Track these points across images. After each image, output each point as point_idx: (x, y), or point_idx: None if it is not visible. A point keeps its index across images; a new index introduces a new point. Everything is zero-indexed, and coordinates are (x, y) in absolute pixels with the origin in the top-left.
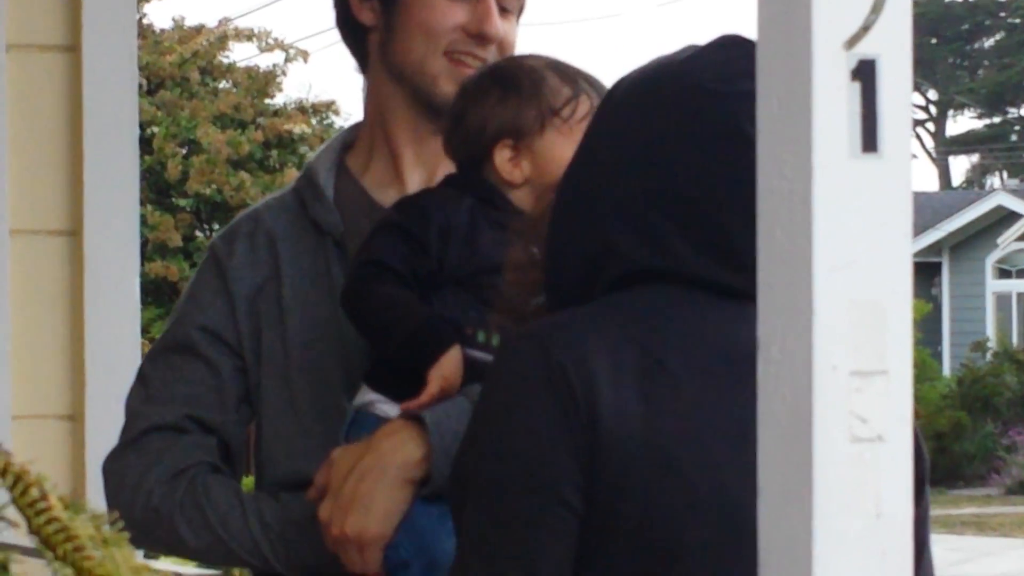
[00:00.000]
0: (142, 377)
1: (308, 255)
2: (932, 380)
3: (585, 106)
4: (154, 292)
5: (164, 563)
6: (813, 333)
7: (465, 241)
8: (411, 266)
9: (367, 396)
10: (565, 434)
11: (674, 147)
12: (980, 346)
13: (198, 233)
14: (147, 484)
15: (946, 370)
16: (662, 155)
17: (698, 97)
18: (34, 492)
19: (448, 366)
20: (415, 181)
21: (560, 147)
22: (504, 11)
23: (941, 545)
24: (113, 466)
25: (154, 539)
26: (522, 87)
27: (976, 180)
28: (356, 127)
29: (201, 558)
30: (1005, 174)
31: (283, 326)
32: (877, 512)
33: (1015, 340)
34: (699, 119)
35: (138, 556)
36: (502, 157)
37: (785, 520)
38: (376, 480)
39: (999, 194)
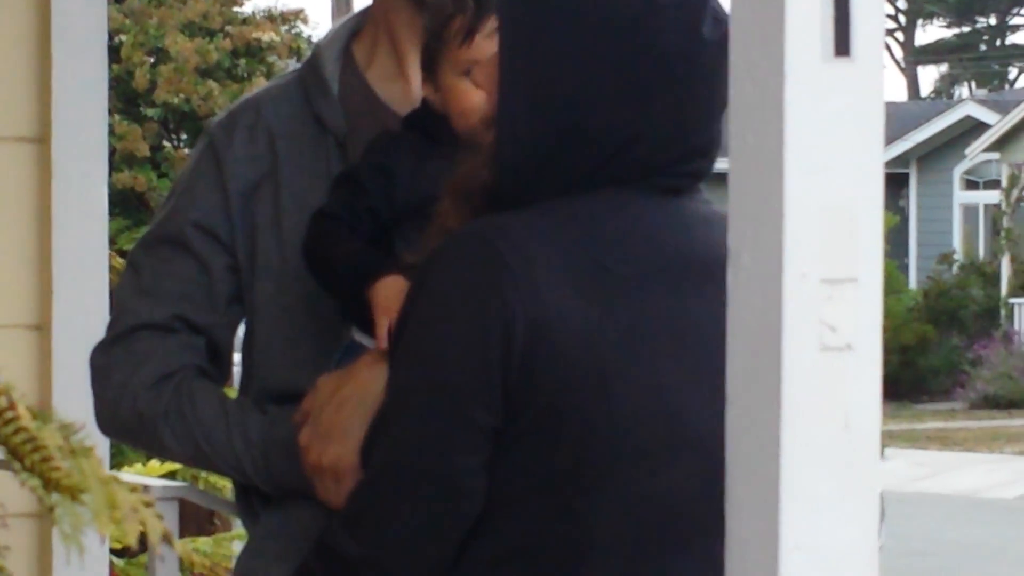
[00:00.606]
0: (133, 265)
1: (308, 153)
2: (898, 293)
3: (455, 25)
4: (121, 203)
5: (129, 475)
6: (784, 240)
7: (412, 175)
8: (353, 210)
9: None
10: (485, 351)
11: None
12: (947, 258)
13: (166, 143)
14: (132, 386)
15: (912, 283)
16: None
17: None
18: (1, 401)
19: (382, 294)
20: (419, 77)
21: (446, 74)
22: None
23: (905, 460)
24: (100, 360)
25: (138, 441)
26: (434, 19)
27: (944, 90)
28: (364, 12)
29: (184, 464)
30: (974, 84)
31: (279, 228)
32: (845, 423)
33: (981, 253)
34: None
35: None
36: (428, 89)
37: (753, 428)
38: (354, 410)
39: (967, 104)
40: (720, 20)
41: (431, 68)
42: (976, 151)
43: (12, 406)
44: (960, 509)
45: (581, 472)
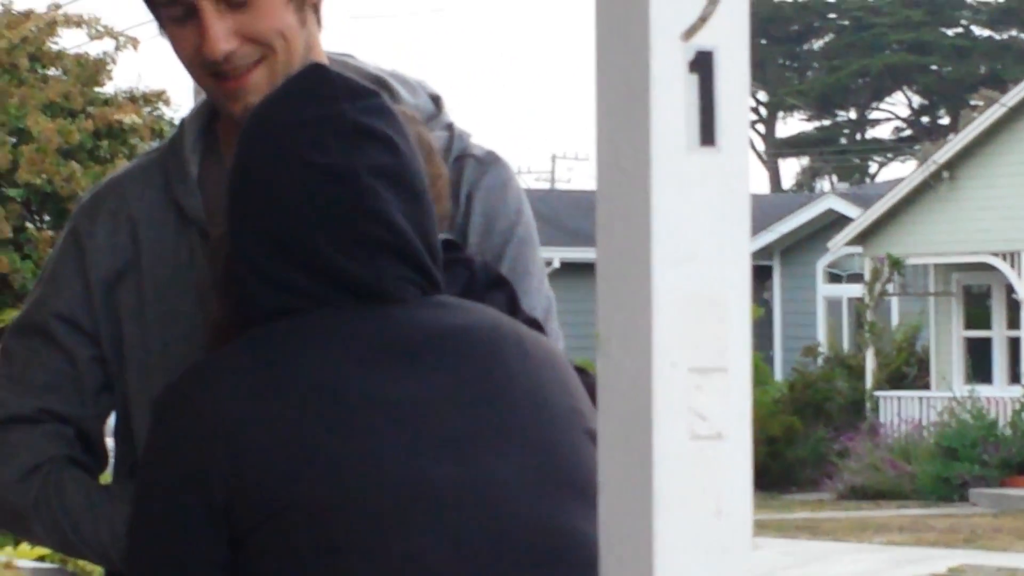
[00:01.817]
0: (5, 352)
1: (170, 242)
2: (764, 384)
3: None
4: None
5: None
6: (652, 328)
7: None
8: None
9: None
10: (197, 494)
11: (264, 189)
12: (811, 351)
13: (28, 224)
14: (3, 479)
15: (778, 375)
16: (260, 198)
17: (269, 133)
18: None
19: None
20: None
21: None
22: (235, 6)
23: (774, 549)
24: None
25: (12, 530)
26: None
27: (806, 183)
28: None
29: (57, 551)
30: (835, 177)
31: (143, 319)
32: (717, 510)
33: (846, 345)
34: (273, 155)
35: None
36: None
37: (626, 518)
38: None
39: (829, 197)
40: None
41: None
42: (839, 244)
43: None
44: None
45: (327, 554)
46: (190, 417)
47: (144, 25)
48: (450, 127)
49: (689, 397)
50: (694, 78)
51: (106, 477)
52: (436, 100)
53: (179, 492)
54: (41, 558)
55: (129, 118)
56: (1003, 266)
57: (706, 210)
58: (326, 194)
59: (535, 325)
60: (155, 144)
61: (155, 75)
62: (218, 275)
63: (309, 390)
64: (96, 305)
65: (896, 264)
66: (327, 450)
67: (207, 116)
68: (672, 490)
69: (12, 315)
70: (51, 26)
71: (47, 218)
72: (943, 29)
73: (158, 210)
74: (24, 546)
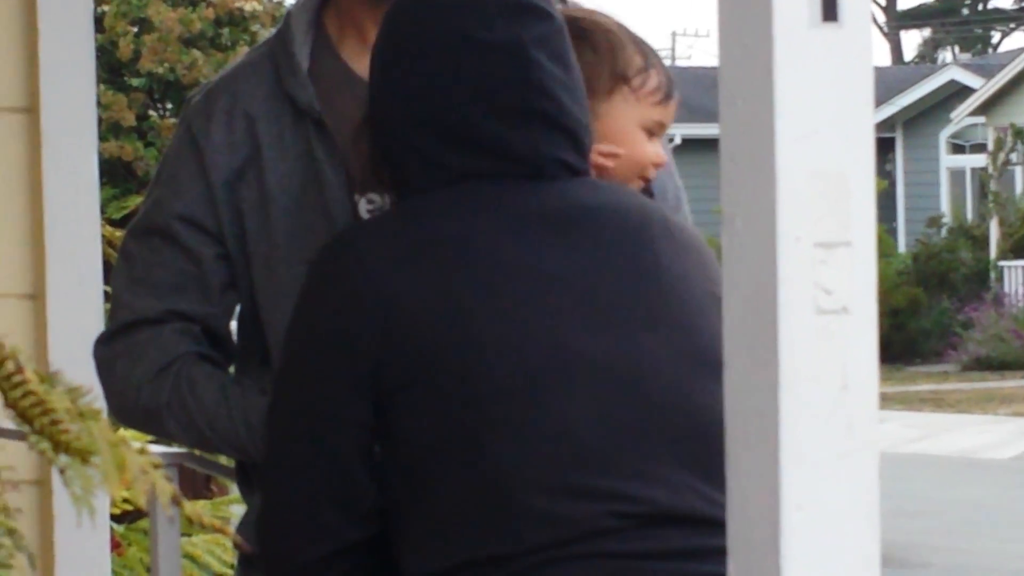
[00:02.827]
0: (125, 255)
1: (289, 134)
2: (888, 256)
3: (654, 80)
4: (109, 172)
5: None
6: (776, 204)
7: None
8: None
9: None
10: (349, 364)
11: (424, 66)
12: (935, 222)
13: (151, 112)
14: (134, 380)
15: (901, 247)
16: (418, 76)
17: (427, 11)
18: (10, 365)
19: None
20: None
21: (623, 115)
22: None
23: (899, 422)
24: (102, 354)
25: (148, 430)
26: (598, 46)
27: (928, 55)
28: None
29: (193, 448)
30: (957, 48)
31: (266, 213)
32: (843, 384)
33: (970, 215)
34: (434, 33)
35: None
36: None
37: (751, 392)
38: None
39: (952, 68)
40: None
41: (591, 91)
42: (961, 115)
43: (20, 370)
44: (955, 470)
45: (475, 412)
46: (341, 281)
47: None
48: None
49: (814, 272)
50: None
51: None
52: None
53: (325, 355)
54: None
55: (249, 5)
56: None
57: (828, 85)
58: (493, 68)
59: None
60: (275, 30)
61: None
62: (363, 160)
63: (460, 257)
64: (218, 204)
65: (1020, 134)
66: (477, 316)
67: (315, 7)
68: (798, 365)
69: (137, 201)
70: None
71: (170, 106)
72: None
73: (272, 105)
74: None
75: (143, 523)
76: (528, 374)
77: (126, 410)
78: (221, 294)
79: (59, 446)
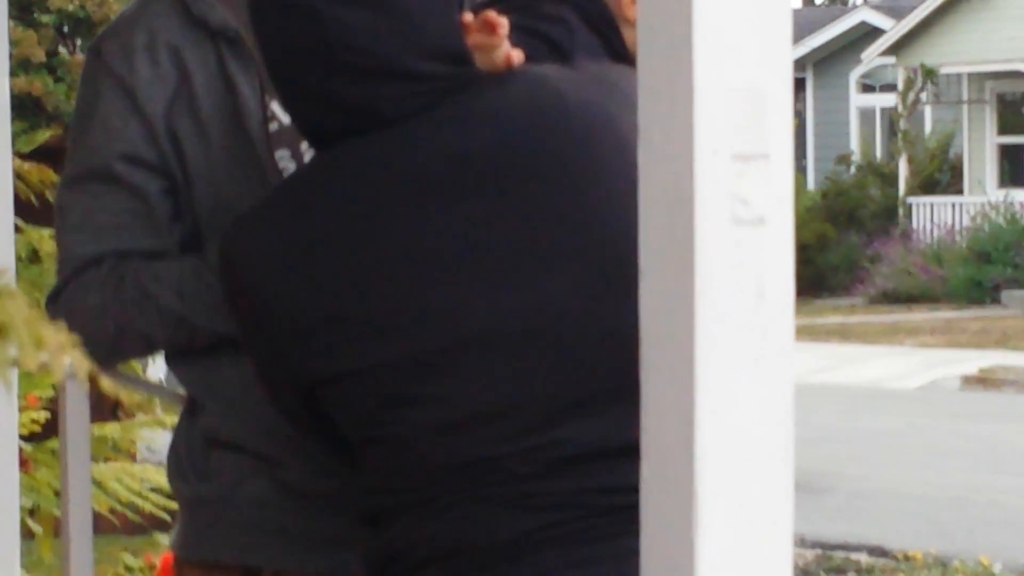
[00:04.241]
0: (61, 209)
1: (211, 58)
2: (797, 193)
3: None
4: (18, 107)
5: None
6: (694, 117)
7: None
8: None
9: None
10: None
11: (257, 27)
12: (844, 159)
13: (61, 48)
14: (93, 307)
15: (811, 184)
16: (259, 36)
17: None
18: None
19: None
20: None
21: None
22: None
23: (806, 353)
24: (54, 312)
25: (131, 351)
26: None
27: None
28: None
29: (174, 344)
30: None
31: (203, 137)
32: (759, 292)
33: (879, 154)
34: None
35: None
36: None
37: (667, 301)
38: None
39: (862, 10)
40: None
41: None
42: (872, 55)
43: None
44: (863, 400)
45: (391, 407)
46: (242, 295)
47: None
48: None
49: (731, 183)
50: None
51: None
52: None
53: (258, 355)
54: None
55: None
56: None
57: (747, 4)
58: (299, 31)
59: None
60: None
61: None
62: None
63: (340, 250)
64: (158, 136)
65: (930, 74)
66: (365, 310)
67: None
68: (714, 273)
69: (45, 135)
70: None
71: (79, 42)
72: None
73: (188, 32)
74: None
75: (51, 443)
76: (433, 358)
77: (102, 345)
78: (169, 226)
79: None
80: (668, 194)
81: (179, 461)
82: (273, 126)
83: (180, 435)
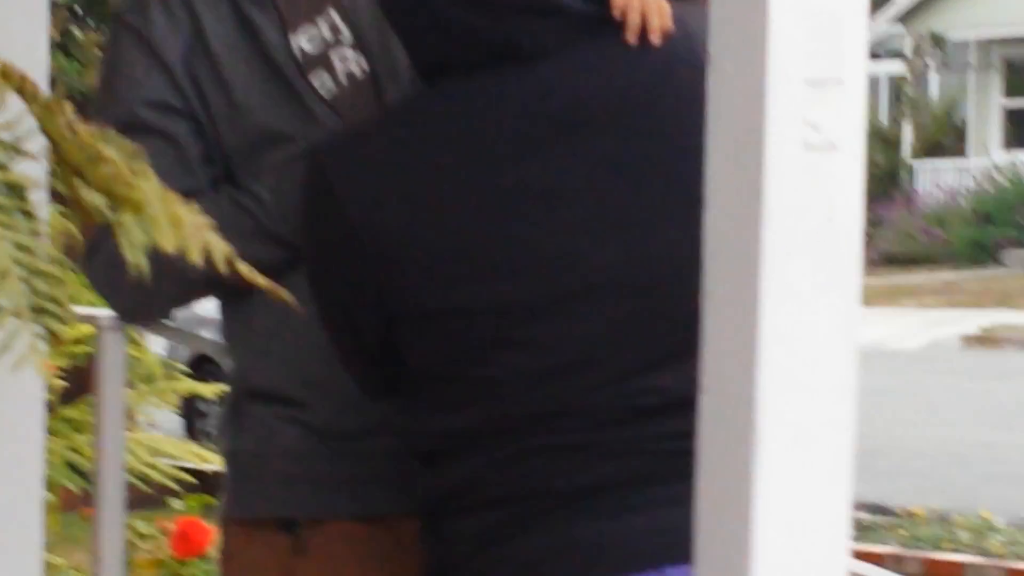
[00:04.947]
0: None
1: (224, 4)
2: None
3: None
4: None
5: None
6: (767, 42)
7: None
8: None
9: None
10: (348, 272)
11: None
12: None
13: (75, 28)
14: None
15: None
16: None
17: None
18: (63, 119)
19: None
20: None
21: None
22: None
23: None
24: (90, 270)
25: (168, 293)
26: None
27: None
28: None
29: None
30: None
31: (220, 78)
32: (829, 216)
33: (884, 120)
34: None
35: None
36: None
37: (736, 227)
38: None
39: None
40: None
41: None
42: (879, 23)
43: (74, 124)
44: (866, 359)
45: (489, 347)
46: (337, 222)
47: None
48: None
49: (803, 109)
50: None
51: None
52: None
53: (336, 284)
54: None
55: None
56: None
57: None
58: None
59: None
60: None
61: None
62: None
63: (459, 185)
64: (179, 81)
65: (939, 41)
66: (481, 250)
67: None
68: (783, 197)
69: None
70: None
71: (91, 22)
72: None
73: None
74: None
75: (65, 412)
76: (536, 303)
77: (145, 289)
78: (201, 166)
79: (114, 199)
80: (738, 119)
81: (223, 418)
82: (299, 55)
83: (227, 393)
